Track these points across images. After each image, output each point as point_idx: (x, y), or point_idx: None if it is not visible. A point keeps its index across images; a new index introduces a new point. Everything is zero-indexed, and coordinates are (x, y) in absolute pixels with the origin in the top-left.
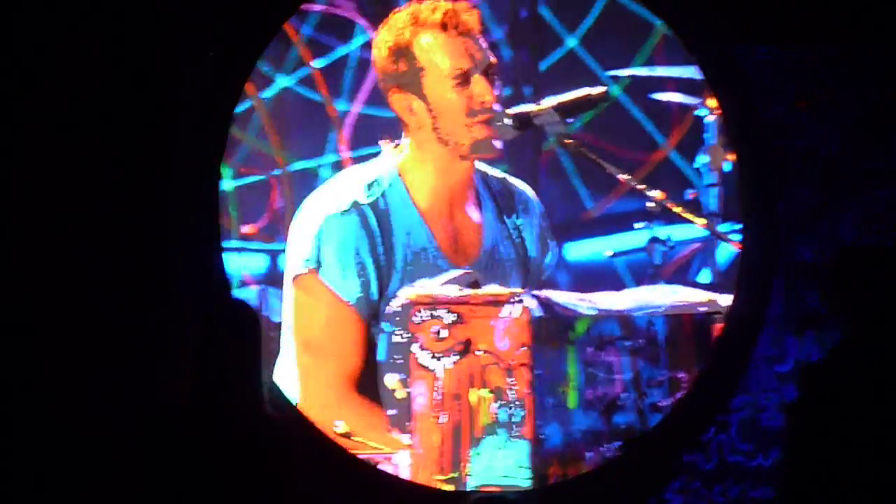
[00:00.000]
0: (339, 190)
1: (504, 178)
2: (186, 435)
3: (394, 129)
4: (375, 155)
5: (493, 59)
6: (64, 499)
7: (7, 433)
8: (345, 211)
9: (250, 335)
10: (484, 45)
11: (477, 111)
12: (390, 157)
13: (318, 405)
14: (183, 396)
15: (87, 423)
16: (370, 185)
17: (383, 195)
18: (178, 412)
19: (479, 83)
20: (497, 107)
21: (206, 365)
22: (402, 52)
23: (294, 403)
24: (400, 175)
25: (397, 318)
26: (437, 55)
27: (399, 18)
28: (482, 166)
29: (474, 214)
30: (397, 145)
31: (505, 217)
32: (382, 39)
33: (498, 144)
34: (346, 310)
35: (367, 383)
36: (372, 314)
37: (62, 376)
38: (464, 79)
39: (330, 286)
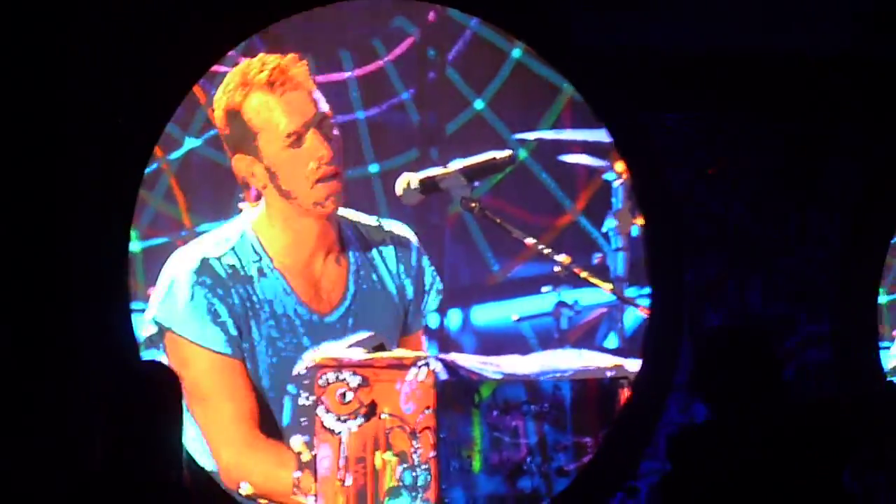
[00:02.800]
0: (190, 249)
1: (378, 224)
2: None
3: None
4: None
5: (327, 111)
6: None
7: None
8: (195, 268)
9: (169, 397)
10: (316, 96)
11: (315, 168)
12: (243, 217)
13: (227, 448)
14: (94, 463)
15: None
16: (218, 243)
17: (233, 249)
18: (90, 479)
19: (311, 139)
20: (335, 160)
21: (120, 429)
22: (234, 114)
23: (203, 467)
24: (254, 231)
25: (303, 381)
26: (267, 116)
27: (231, 79)
28: (351, 214)
29: (340, 261)
30: (256, 204)
31: (378, 262)
32: (218, 101)
33: (338, 200)
34: (216, 356)
35: (268, 422)
36: (240, 357)
37: None
38: (297, 137)
39: (191, 339)
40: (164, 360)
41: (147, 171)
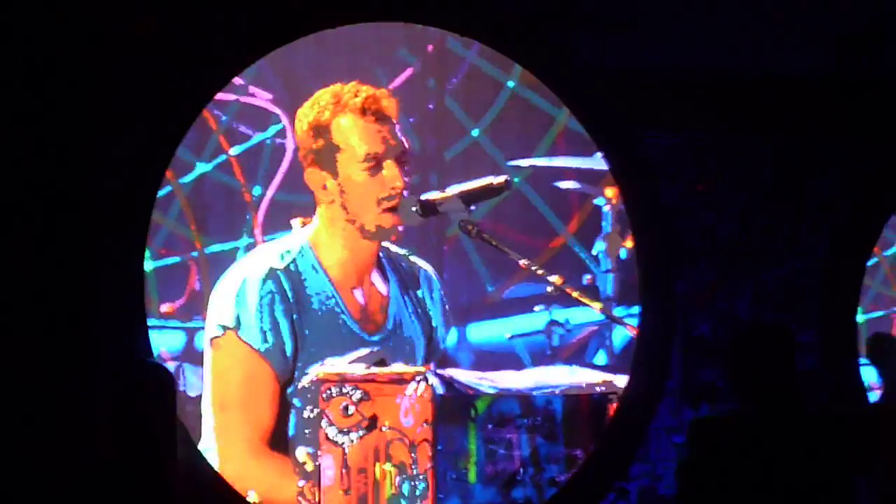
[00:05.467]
0: (255, 259)
1: (406, 256)
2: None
3: (306, 212)
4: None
5: (406, 147)
6: None
7: None
8: (262, 277)
9: (166, 393)
10: (399, 132)
11: (385, 197)
12: (300, 232)
13: (233, 461)
14: (96, 454)
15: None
16: (283, 255)
17: (294, 262)
18: (96, 470)
19: (390, 169)
20: (405, 193)
21: (117, 423)
22: (321, 130)
23: (215, 470)
24: (311, 246)
25: (308, 395)
26: (353, 138)
27: (322, 97)
28: (386, 243)
29: (381, 286)
30: (305, 223)
31: (409, 291)
32: (304, 115)
33: (400, 229)
34: (263, 365)
35: (279, 440)
36: (286, 375)
37: None
38: (376, 163)
39: (248, 342)
40: (205, 372)
41: (160, 194)
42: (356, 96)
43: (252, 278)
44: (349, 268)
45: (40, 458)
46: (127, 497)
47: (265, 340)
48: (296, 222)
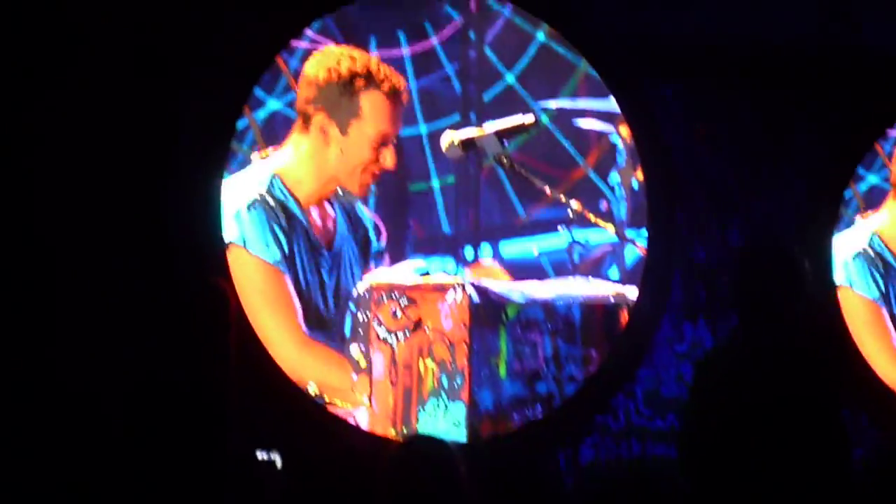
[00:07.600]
0: (243, 187)
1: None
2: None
3: None
4: None
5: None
6: None
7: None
8: (253, 202)
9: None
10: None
11: (374, 170)
12: (263, 164)
13: (283, 350)
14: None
15: None
16: (260, 182)
17: (272, 186)
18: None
19: (390, 151)
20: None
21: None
22: (348, 91)
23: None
24: (278, 176)
25: (361, 300)
26: (377, 116)
27: (352, 61)
28: None
29: (330, 209)
30: (264, 157)
31: (345, 210)
32: (332, 68)
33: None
34: (274, 270)
35: (319, 335)
36: (291, 272)
37: None
38: (383, 143)
39: (257, 255)
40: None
41: (239, 126)
42: (389, 77)
43: (246, 204)
44: (315, 194)
45: None
46: None
47: (270, 250)
48: (255, 155)
